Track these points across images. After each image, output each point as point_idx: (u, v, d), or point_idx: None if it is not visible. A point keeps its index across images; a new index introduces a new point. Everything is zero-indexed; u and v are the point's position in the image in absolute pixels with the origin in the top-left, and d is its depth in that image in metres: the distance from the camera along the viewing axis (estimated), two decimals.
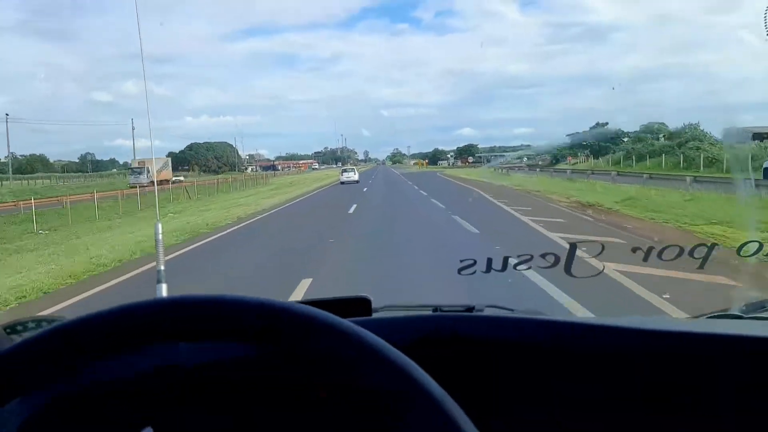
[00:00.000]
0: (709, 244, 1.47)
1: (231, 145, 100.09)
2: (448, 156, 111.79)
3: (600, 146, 50.51)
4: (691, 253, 1.49)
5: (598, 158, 49.19)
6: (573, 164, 50.73)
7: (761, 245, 1.51)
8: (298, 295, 5.85)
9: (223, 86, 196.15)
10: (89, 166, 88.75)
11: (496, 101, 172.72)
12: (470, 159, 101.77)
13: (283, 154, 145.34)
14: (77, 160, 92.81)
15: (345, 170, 44.95)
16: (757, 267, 1.56)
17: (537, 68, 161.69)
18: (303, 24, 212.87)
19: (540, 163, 56.10)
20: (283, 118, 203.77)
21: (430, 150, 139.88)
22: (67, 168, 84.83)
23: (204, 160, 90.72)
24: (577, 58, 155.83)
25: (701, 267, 1.51)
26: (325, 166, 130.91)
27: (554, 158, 56.55)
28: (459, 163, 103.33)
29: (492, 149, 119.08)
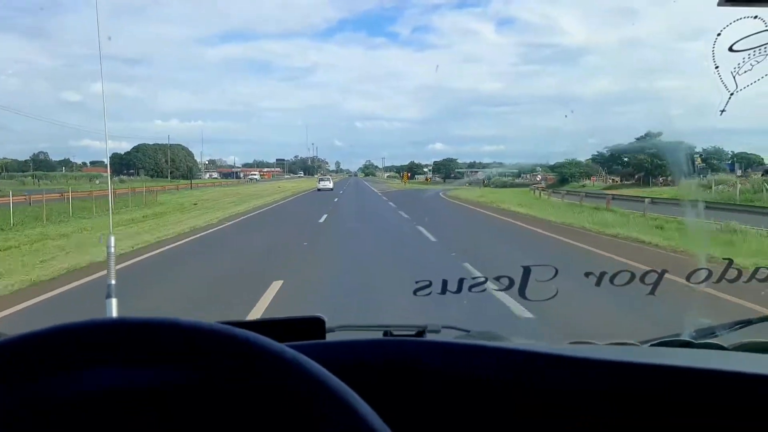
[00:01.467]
0: (659, 270, 1.50)
1: (185, 149, 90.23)
2: (425, 170, 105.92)
3: (653, 163, 37.48)
4: (642, 279, 1.52)
5: (646, 179, 38.89)
6: (600, 185, 43.30)
7: (710, 272, 1.55)
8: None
9: (196, 90, 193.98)
10: (31, 165, 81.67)
11: (470, 118, 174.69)
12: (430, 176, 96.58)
13: (250, 161, 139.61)
14: (24, 159, 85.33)
15: (321, 179, 55.45)
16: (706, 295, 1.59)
17: (510, 87, 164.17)
18: (280, 32, 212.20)
19: (542, 183, 49.23)
20: (255, 125, 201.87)
21: (405, 163, 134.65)
22: (8, 167, 78.06)
23: (152, 164, 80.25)
24: (549, 80, 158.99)
25: (652, 293, 1.53)
26: (289, 175, 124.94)
27: (562, 178, 49.75)
28: (436, 178, 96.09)
29: (472, 165, 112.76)
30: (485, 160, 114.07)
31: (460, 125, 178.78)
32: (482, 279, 1.52)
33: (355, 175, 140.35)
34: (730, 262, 1.48)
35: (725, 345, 1.26)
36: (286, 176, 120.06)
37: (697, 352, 1.23)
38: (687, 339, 1.32)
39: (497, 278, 1.49)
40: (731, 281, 1.50)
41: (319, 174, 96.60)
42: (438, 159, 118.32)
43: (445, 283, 1.48)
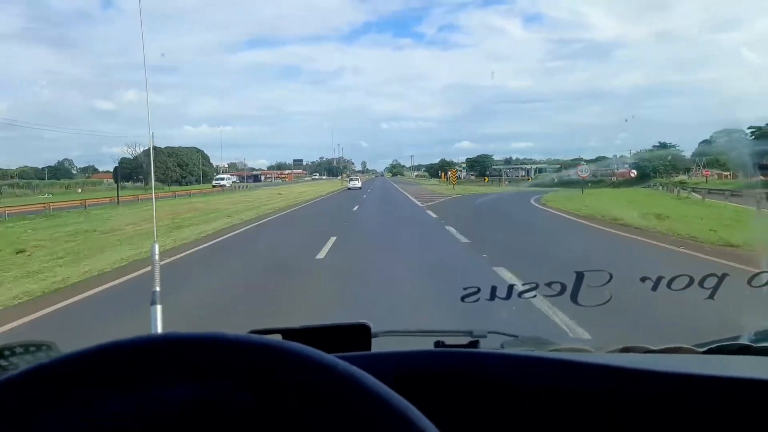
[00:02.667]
0: (719, 274, 1.44)
1: (200, 152, 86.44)
2: (458, 168, 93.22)
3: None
4: (701, 283, 1.46)
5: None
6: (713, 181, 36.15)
7: None
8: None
9: (224, 96, 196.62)
10: (46, 173, 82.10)
11: (497, 116, 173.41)
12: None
13: (273, 164, 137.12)
14: (42, 167, 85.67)
15: (351, 179, 60.56)
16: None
17: (538, 84, 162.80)
18: (306, 36, 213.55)
19: (614, 179, 44.97)
20: (283, 129, 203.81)
21: (435, 161, 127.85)
22: (24, 175, 78.17)
23: (163, 169, 75.63)
24: (578, 75, 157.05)
25: (711, 297, 1.47)
26: (310, 177, 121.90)
27: (642, 172, 44.04)
28: (470, 176, 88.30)
29: (509, 161, 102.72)
30: (515, 156, 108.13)
31: (488, 123, 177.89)
32: (533, 284, 1.47)
33: (382, 175, 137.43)
34: None
35: None
36: (306, 178, 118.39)
37: (758, 360, 1.19)
38: (746, 343, 1.27)
39: (548, 284, 1.44)
40: None
41: (344, 174, 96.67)
42: (470, 156, 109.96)
43: (494, 289, 1.45)
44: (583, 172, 40.84)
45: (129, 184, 66.07)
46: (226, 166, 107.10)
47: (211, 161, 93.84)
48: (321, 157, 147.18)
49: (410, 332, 1.51)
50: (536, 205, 24.58)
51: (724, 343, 1.27)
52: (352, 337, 1.16)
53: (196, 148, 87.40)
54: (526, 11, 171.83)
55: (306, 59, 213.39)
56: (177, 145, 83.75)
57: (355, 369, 0.56)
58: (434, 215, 20.08)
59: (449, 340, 1.25)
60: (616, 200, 23.76)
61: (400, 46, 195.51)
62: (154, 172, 66.81)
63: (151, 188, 44.40)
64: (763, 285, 1.49)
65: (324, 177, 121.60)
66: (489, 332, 1.36)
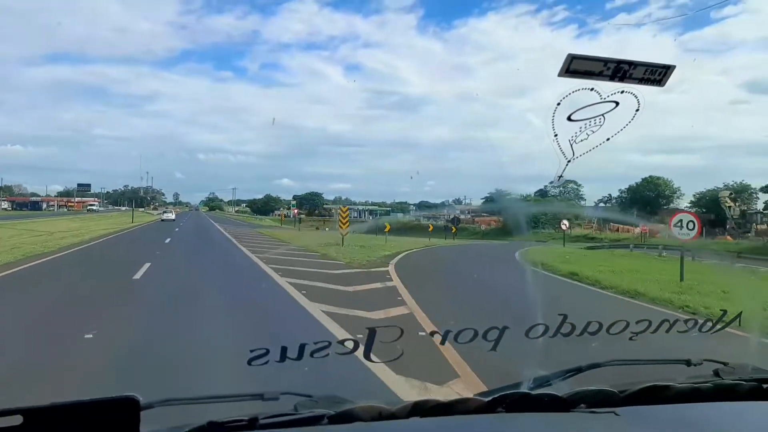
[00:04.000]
0: (500, 327, 1.52)
1: None
2: (287, 205, 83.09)
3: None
4: (484, 336, 1.53)
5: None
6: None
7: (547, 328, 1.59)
8: None
9: (14, 113, 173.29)
10: None
11: (318, 156, 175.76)
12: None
13: (62, 189, 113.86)
14: None
15: (165, 211, 58.62)
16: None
17: (358, 130, 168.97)
18: (116, 57, 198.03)
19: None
20: (86, 153, 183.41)
21: (257, 196, 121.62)
22: None
23: None
24: (393, 125, 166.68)
25: (494, 348, 1.54)
26: (102, 208, 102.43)
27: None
28: (302, 216, 72.10)
29: (336, 200, 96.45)
30: (331, 197, 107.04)
31: (308, 162, 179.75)
32: (326, 343, 1.41)
33: (196, 209, 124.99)
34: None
35: (560, 395, 1.33)
36: (94, 207, 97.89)
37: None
38: (526, 391, 1.36)
39: (341, 342, 1.40)
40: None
41: (152, 206, 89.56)
42: (296, 193, 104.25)
43: (284, 350, 1.36)
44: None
45: None
46: None
47: None
48: (126, 186, 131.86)
49: (189, 400, 1.36)
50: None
51: (507, 392, 1.33)
52: (115, 414, 0.98)
53: None
54: (345, 59, 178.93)
55: (116, 81, 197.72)
56: None
57: None
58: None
59: (231, 409, 1.14)
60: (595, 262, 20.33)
61: (222, 78, 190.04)
62: None
63: None
64: (539, 336, 1.60)
65: (124, 208, 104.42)
66: (282, 393, 1.28)
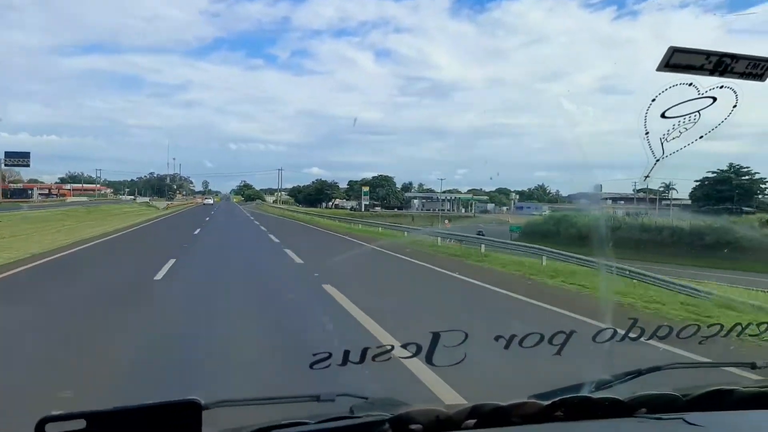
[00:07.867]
0: (567, 332, 1.47)
1: None
2: (356, 194, 71.48)
3: None
4: (550, 340, 1.49)
5: None
6: None
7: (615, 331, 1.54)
8: None
9: (49, 103, 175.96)
10: None
11: (347, 145, 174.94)
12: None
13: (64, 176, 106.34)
14: None
15: (206, 198, 64.05)
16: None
17: (388, 117, 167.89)
18: (149, 47, 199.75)
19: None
20: (120, 142, 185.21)
21: (286, 186, 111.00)
22: None
23: None
24: (423, 112, 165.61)
25: (558, 353, 1.51)
26: (129, 197, 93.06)
27: None
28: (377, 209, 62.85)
29: (419, 188, 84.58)
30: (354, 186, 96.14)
31: (337, 151, 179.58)
32: (389, 346, 1.39)
33: (227, 199, 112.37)
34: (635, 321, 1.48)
35: (622, 398, 1.30)
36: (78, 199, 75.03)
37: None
38: (586, 395, 1.34)
39: (404, 345, 1.37)
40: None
41: (180, 193, 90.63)
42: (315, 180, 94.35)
43: (347, 353, 1.34)
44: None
45: None
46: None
47: None
48: (151, 173, 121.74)
49: (248, 401, 1.35)
50: None
51: (567, 396, 1.28)
52: (178, 417, 0.97)
53: None
54: (375, 45, 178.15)
55: (149, 70, 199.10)
56: None
57: None
58: None
59: (288, 410, 1.13)
60: None
61: (253, 66, 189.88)
62: None
63: None
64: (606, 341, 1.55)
65: (141, 198, 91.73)
66: (338, 395, 1.27)
